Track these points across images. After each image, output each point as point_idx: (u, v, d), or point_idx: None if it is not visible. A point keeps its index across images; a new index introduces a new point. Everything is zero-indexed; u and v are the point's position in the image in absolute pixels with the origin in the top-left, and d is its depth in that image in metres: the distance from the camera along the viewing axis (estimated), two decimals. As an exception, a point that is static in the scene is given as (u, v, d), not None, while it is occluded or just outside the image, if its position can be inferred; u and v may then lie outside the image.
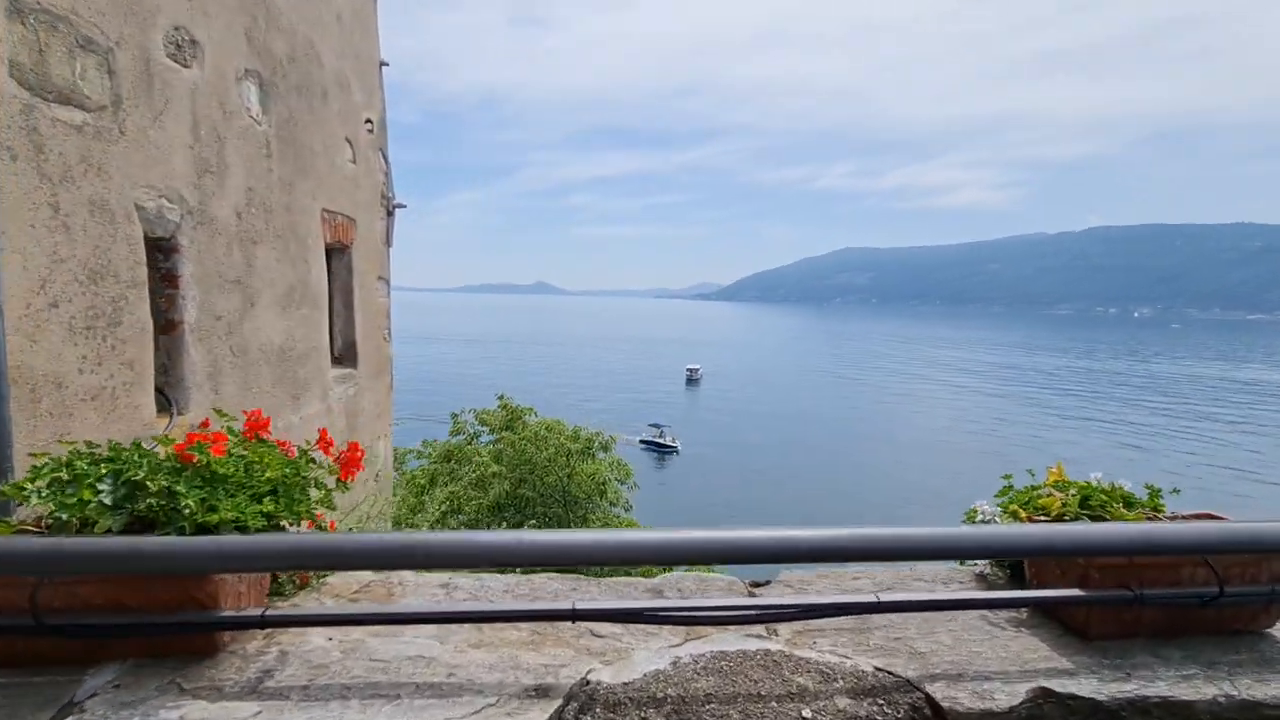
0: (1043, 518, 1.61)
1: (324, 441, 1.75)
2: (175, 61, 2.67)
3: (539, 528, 7.19)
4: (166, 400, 2.71)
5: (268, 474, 1.52)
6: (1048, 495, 1.65)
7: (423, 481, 8.20)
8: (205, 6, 2.84)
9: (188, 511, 1.35)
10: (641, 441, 50.51)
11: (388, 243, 5.66)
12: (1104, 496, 1.59)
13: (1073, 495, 1.62)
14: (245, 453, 1.56)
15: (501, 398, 8.86)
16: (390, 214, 5.66)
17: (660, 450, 50.15)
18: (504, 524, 7.26)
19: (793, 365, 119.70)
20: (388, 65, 5.55)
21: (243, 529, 1.39)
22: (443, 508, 7.46)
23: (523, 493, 7.09)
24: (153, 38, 2.51)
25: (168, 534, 1.35)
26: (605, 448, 7.25)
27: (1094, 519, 1.56)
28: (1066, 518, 1.57)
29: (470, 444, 8.35)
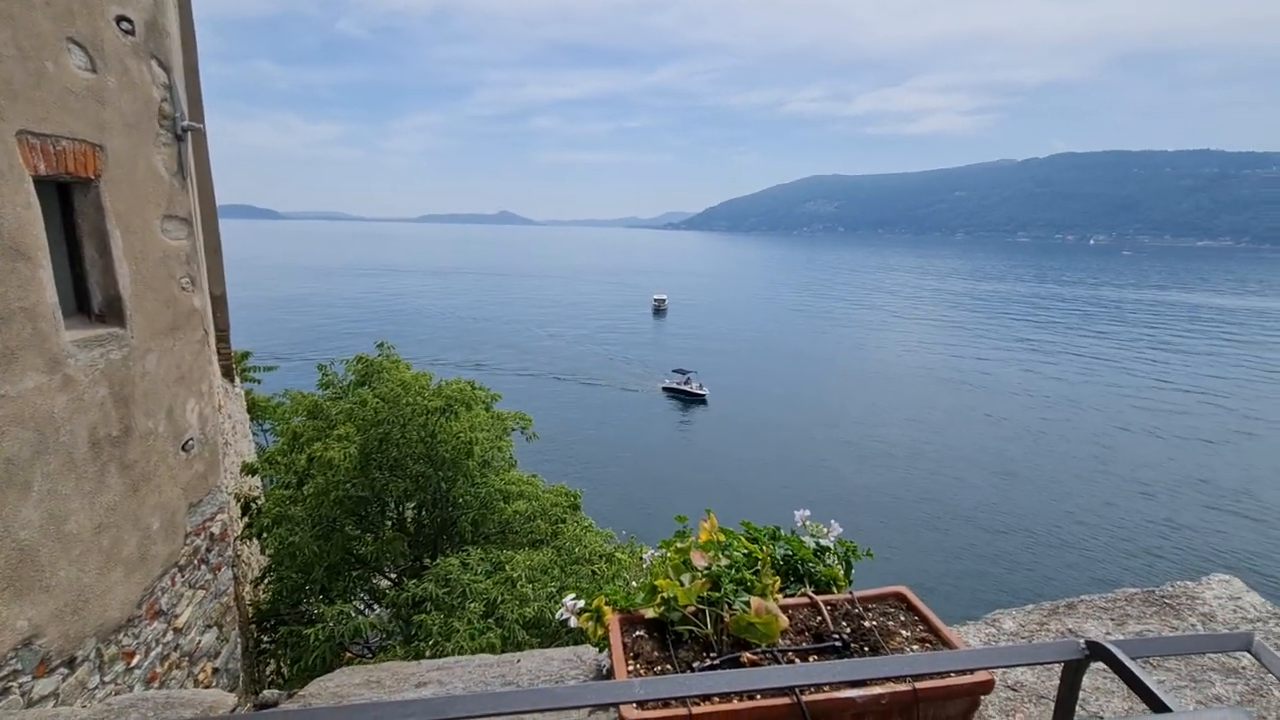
0: (647, 614, 1.09)
1: None
2: None
3: (409, 492, 6.69)
4: None
5: None
6: (671, 579, 1.13)
7: (285, 440, 7.58)
8: None
9: None
10: (665, 389, 45.98)
11: (180, 173, 4.77)
12: (732, 584, 1.07)
13: (699, 579, 1.10)
14: None
15: (380, 346, 8.14)
16: (180, 138, 4.75)
17: (686, 398, 44.28)
18: (372, 484, 6.73)
19: (755, 295, 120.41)
20: (156, -52, 4.48)
21: None
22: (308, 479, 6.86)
23: (388, 452, 6.54)
24: None
25: None
26: (469, 405, 6.69)
27: (711, 613, 1.05)
28: (671, 620, 1.05)
29: (337, 400, 7.70)
